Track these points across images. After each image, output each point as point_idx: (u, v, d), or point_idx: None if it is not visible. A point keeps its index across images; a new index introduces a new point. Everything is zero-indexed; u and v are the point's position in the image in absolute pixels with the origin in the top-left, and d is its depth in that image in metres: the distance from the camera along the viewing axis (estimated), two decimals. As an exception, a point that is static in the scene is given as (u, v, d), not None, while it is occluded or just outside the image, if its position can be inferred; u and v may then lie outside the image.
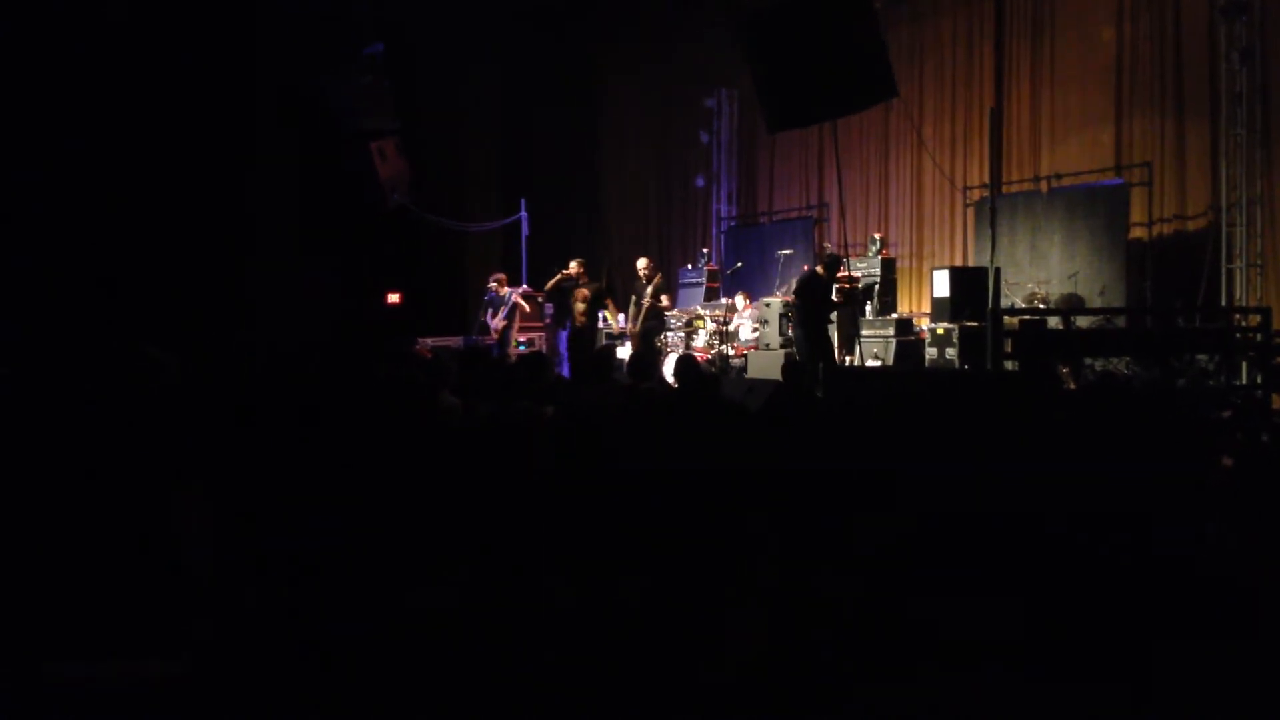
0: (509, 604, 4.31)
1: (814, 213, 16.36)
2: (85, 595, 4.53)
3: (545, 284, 13.28)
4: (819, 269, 11.91)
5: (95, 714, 4.03)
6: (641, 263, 13.16)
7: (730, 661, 4.56)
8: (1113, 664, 4.56)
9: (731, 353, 13.52)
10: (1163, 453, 5.09)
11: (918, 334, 12.65)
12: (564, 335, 14.55)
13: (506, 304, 13.85)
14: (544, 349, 14.78)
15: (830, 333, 11.66)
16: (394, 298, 16.32)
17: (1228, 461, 5.42)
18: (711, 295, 15.79)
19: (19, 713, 4.00)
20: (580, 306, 12.66)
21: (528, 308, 14.44)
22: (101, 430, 4.76)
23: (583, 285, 12.72)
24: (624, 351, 13.34)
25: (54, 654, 4.30)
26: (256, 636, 4.41)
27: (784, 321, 13.04)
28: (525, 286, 14.92)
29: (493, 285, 14.01)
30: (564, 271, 12.88)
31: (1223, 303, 11.20)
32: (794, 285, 11.97)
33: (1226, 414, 6.11)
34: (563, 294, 13.15)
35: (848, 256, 12.84)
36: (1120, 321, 11.20)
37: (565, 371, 12.79)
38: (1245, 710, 4.10)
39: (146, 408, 4.83)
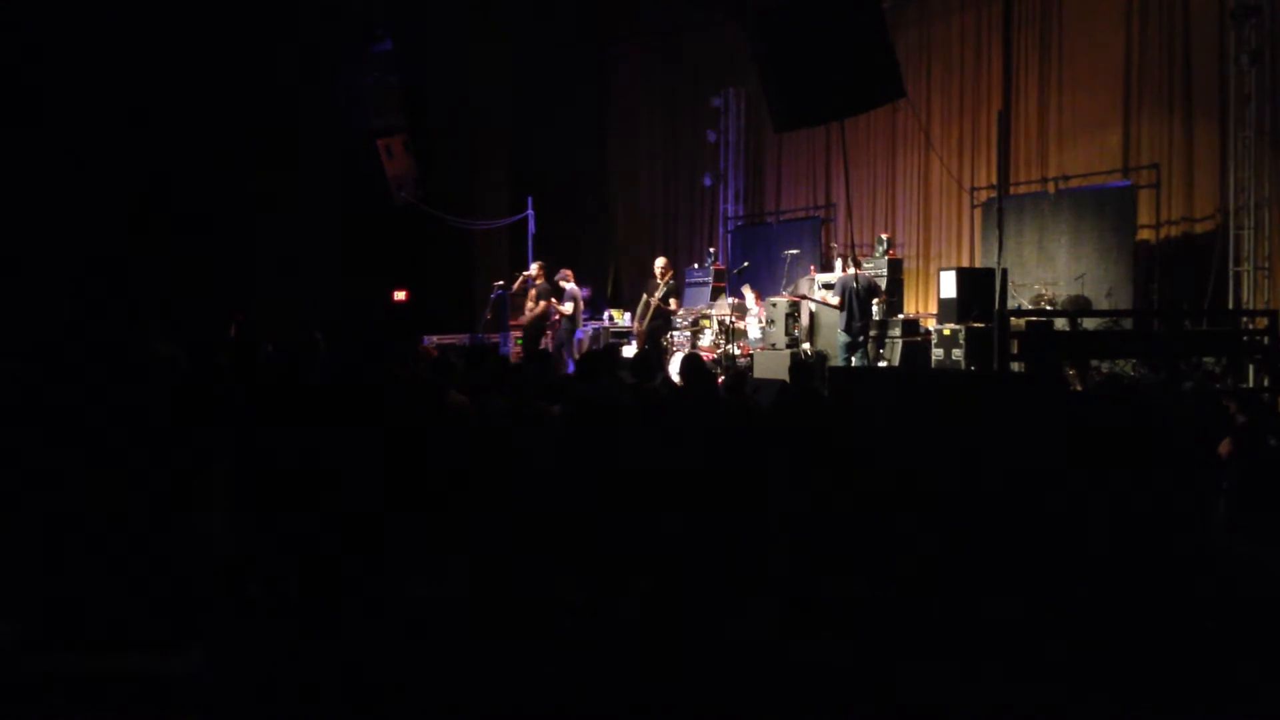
0: (518, 598, 4.32)
1: (821, 213, 16.34)
2: (103, 589, 4.54)
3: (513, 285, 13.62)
4: (857, 270, 12.04)
5: (112, 707, 4.05)
6: (659, 263, 13.22)
7: (738, 658, 4.57)
8: (1120, 664, 4.56)
9: (738, 352, 13.52)
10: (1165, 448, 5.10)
11: (924, 335, 12.64)
12: (578, 334, 14.55)
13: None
14: (549, 347, 14.78)
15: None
16: (400, 295, 16.35)
17: (1225, 448, 5.42)
18: (718, 295, 15.78)
19: (32, 704, 4.02)
20: (528, 305, 13.19)
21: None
22: (116, 425, 4.77)
23: (536, 287, 13.19)
24: (630, 350, 13.37)
25: (73, 646, 4.32)
26: (270, 629, 4.42)
27: (790, 321, 13.05)
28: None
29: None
30: (525, 273, 13.30)
31: (1230, 305, 11.17)
32: (858, 288, 12.01)
33: (1242, 419, 6.11)
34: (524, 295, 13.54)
35: (856, 257, 12.87)
36: (1127, 323, 11.18)
37: (570, 369, 12.82)
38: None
39: (159, 403, 4.85)
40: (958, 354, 11.44)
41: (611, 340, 14.73)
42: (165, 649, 4.35)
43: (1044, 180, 13.26)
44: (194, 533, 4.69)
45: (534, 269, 13.50)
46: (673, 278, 13.18)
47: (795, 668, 4.61)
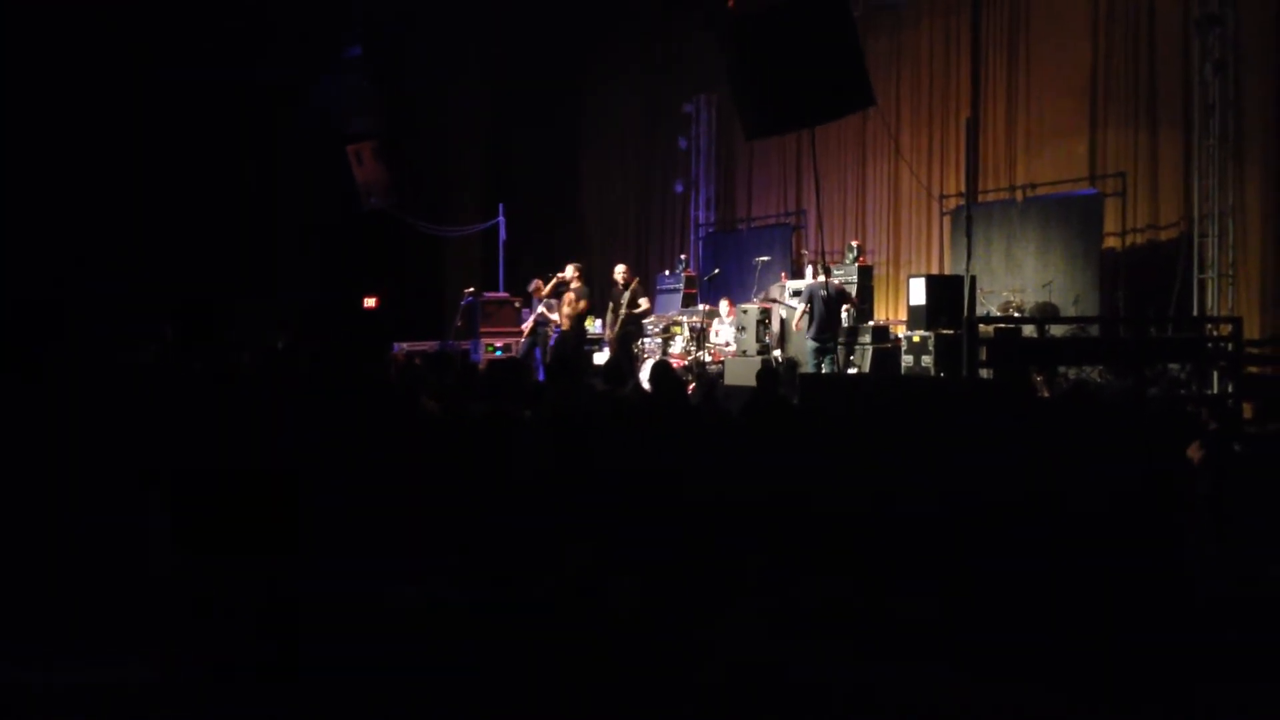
0: (493, 603, 4.31)
1: (792, 220, 16.40)
2: (54, 597, 4.49)
3: (544, 288, 13.28)
4: (827, 278, 12.13)
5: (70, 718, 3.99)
6: (619, 269, 13.20)
7: (717, 660, 4.57)
8: (1087, 665, 4.60)
9: (709, 359, 13.55)
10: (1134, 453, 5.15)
11: (894, 341, 12.71)
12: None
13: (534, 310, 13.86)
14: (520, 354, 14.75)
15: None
16: (371, 301, 16.28)
17: (1195, 454, 5.48)
18: (689, 301, 15.80)
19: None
20: (566, 310, 12.71)
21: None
22: (71, 429, 4.73)
23: (573, 291, 12.78)
24: (602, 357, 13.37)
25: (24, 658, 4.26)
26: (229, 638, 4.39)
27: (761, 328, 13.10)
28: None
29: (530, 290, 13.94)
30: (559, 275, 12.94)
31: (1195, 313, 11.29)
32: (827, 294, 12.08)
33: (1213, 426, 6.19)
34: (556, 298, 13.14)
35: (826, 264, 12.94)
36: (1094, 330, 11.28)
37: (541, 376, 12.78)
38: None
39: (118, 404, 4.81)
40: (927, 360, 11.52)
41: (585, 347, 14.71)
42: (118, 658, 4.30)
43: (1012, 188, 13.36)
44: (147, 538, 4.64)
45: (570, 271, 12.86)
46: (637, 282, 13.16)
47: (779, 671, 4.62)
